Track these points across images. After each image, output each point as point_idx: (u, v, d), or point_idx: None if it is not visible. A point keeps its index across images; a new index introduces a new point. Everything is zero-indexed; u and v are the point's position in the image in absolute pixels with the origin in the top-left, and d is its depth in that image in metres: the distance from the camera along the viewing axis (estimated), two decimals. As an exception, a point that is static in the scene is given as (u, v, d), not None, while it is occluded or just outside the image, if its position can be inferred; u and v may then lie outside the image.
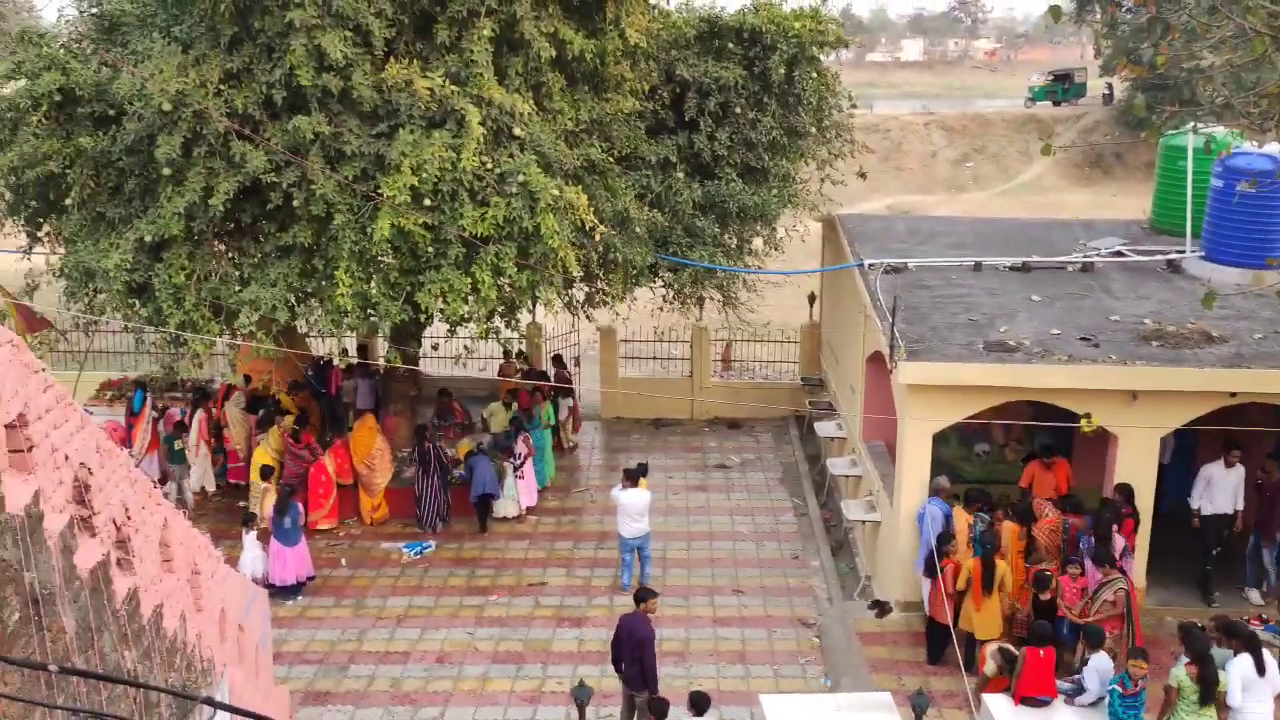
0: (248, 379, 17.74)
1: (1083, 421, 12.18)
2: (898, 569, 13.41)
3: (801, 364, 21.47)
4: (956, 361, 12.47)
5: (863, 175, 18.75)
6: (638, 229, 15.03)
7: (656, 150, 15.72)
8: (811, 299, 21.27)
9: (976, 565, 11.96)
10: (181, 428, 17.18)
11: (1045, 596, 11.81)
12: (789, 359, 21.82)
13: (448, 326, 15.59)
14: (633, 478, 14.47)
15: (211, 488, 17.35)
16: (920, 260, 15.84)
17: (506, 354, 19.65)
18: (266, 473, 15.56)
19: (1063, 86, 61.27)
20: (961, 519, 12.74)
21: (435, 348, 17.70)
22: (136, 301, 13.96)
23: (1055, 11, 9.11)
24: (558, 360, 20.71)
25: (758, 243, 17.48)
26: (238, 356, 14.93)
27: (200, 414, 17.15)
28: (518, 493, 16.66)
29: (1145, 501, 12.82)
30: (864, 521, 14.71)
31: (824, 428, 17.76)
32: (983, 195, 51.28)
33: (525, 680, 12.42)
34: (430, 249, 12.97)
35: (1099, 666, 10.20)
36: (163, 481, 16.90)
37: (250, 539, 14.11)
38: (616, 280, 15.55)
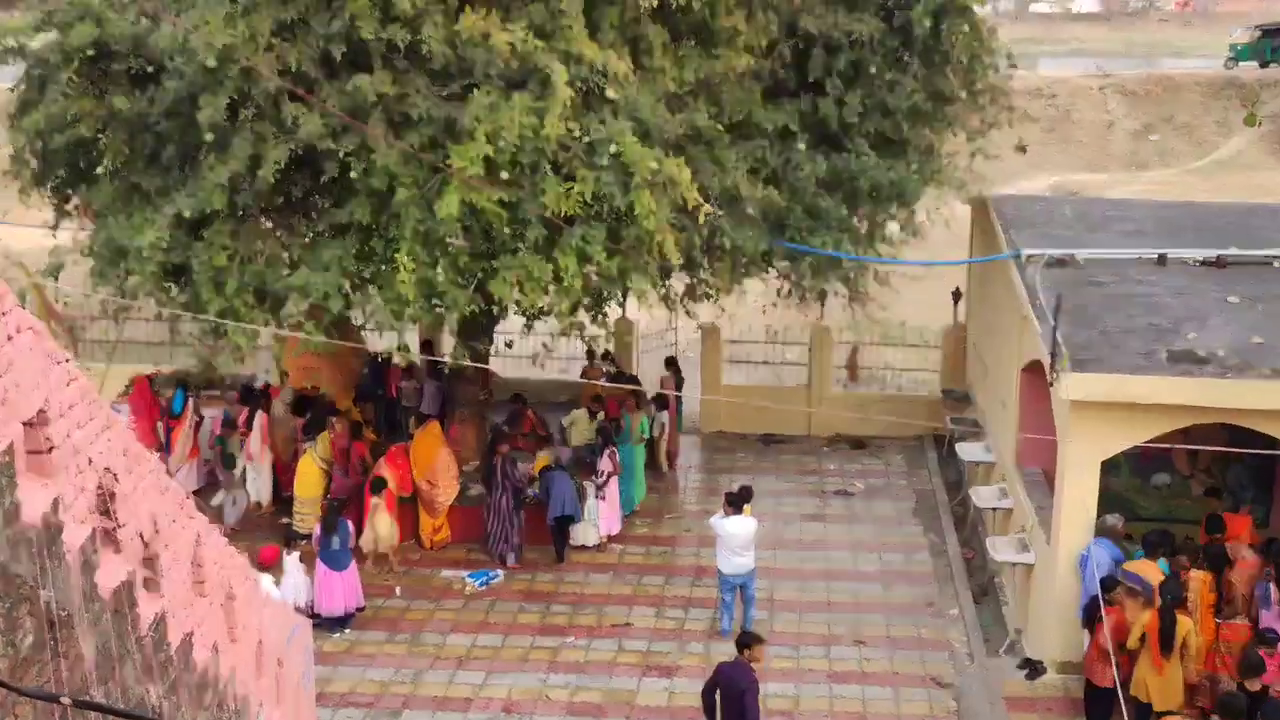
0: (284, 377, 18.26)
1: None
2: (1054, 622, 13.22)
3: (943, 373, 21.37)
4: (1133, 374, 12.34)
5: (1022, 149, 18.40)
6: (749, 209, 15.02)
7: (774, 117, 15.64)
8: (956, 296, 21.05)
9: (1153, 619, 11.66)
10: (231, 426, 17.67)
11: (1255, 686, 11.25)
12: (928, 367, 21.74)
13: (524, 321, 15.92)
14: (736, 504, 14.49)
15: (268, 500, 17.73)
16: (1091, 251, 15.63)
17: (590, 354, 19.79)
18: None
19: (1272, 44, 59.22)
20: (1149, 571, 12.32)
21: (509, 345, 17.91)
22: (173, 285, 14.19)
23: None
24: (671, 363, 20.87)
25: (893, 228, 17.31)
26: (284, 350, 15.26)
27: (261, 415, 17.54)
28: (599, 517, 16.80)
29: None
30: (1014, 564, 14.60)
31: (968, 450, 17.71)
32: (1169, 173, 49.94)
33: (605, 737, 12.82)
34: (506, 230, 13.11)
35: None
36: (202, 492, 17.52)
37: (292, 561, 14.31)
38: (723, 269, 15.57)
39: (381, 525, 15.88)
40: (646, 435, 18.43)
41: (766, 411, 20.43)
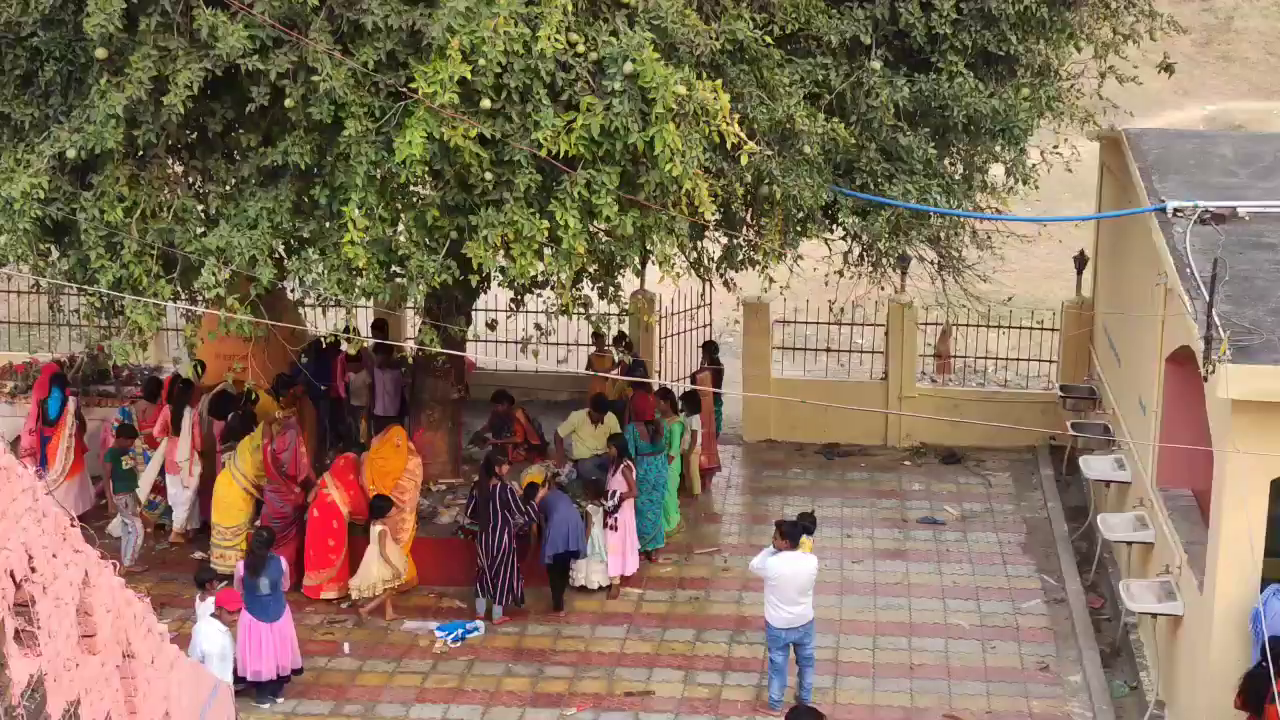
0: (201, 368, 18.29)
1: None
2: (1210, 691, 13.10)
3: (1061, 365, 21.44)
4: (1314, 365, 12.55)
5: (1168, 69, 18.24)
6: (807, 148, 14.94)
7: (839, 26, 15.42)
8: (1080, 262, 20.99)
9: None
10: (128, 434, 17.77)
11: None
12: (1042, 356, 21.70)
13: (512, 295, 15.85)
14: (791, 536, 14.36)
15: (180, 525, 17.93)
16: (1259, 204, 15.51)
17: (598, 337, 19.75)
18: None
19: None
20: None
21: (492, 326, 17.79)
22: (53, 247, 14.26)
23: None
24: (708, 352, 20.83)
25: (996, 172, 17.26)
26: (197, 334, 15.29)
27: (191, 413, 17.78)
28: (609, 552, 16.74)
29: None
30: (1156, 616, 14.51)
31: (1095, 465, 17.66)
32: (1363, 102, 49.62)
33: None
34: (487, 176, 13.12)
35: None
36: (88, 517, 17.57)
37: (207, 609, 14.17)
38: (772, 227, 15.51)
39: (392, 558, 16.01)
40: (675, 447, 18.38)
41: (830, 414, 20.31)
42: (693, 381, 20.40)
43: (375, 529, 16.09)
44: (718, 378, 20.83)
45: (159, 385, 18.68)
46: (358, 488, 16.72)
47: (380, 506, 16.11)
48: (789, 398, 20.33)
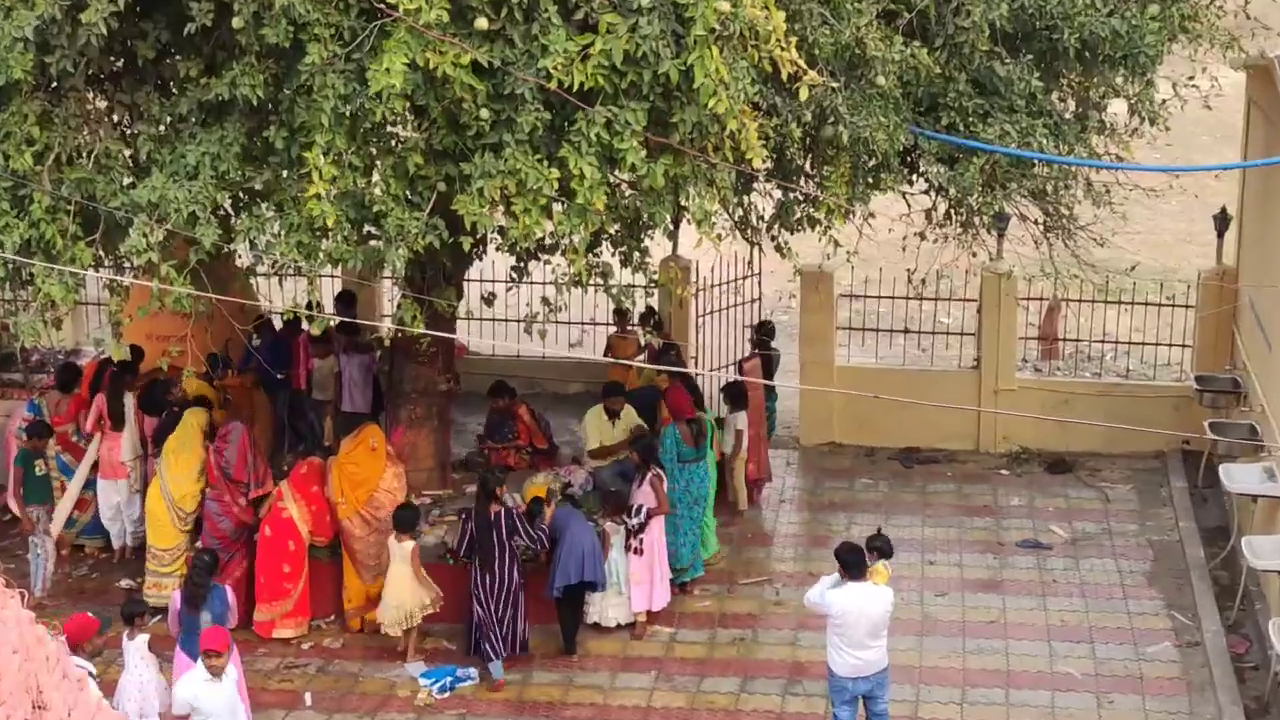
0: (137, 354, 18.23)
1: None
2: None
3: (1197, 350, 21.38)
4: None
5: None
6: (881, 79, 14.94)
7: (921, -73, 15.84)
8: (1221, 222, 20.90)
9: None
10: (41, 433, 17.82)
11: None
12: (1173, 339, 21.63)
13: (513, 261, 16.01)
14: (852, 564, 14.16)
15: (118, 542, 18.45)
16: None
17: (621, 315, 19.93)
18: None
19: None
20: None
21: (489, 301, 17.85)
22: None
23: None
24: (759, 332, 20.75)
25: (1117, 110, 17.28)
26: (123, 309, 15.31)
27: (131, 401, 17.79)
28: (632, 582, 16.73)
29: None
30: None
31: (1239, 475, 17.72)
32: None
33: None
34: (484, 113, 13.13)
35: None
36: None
37: (136, 648, 14.22)
38: (836, 178, 15.52)
39: (408, 585, 16.06)
40: (707, 452, 18.36)
41: (908, 411, 20.06)
42: (739, 371, 20.27)
43: (404, 545, 16.08)
44: (769, 366, 20.74)
45: (76, 373, 18.74)
46: (321, 500, 16.75)
47: (408, 519, 16.18)
48: (857, 391, 19.82)
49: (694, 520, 17.75)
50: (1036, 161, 16.40)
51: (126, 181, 14.09)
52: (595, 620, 16.86)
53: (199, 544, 16.59)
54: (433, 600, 16.33)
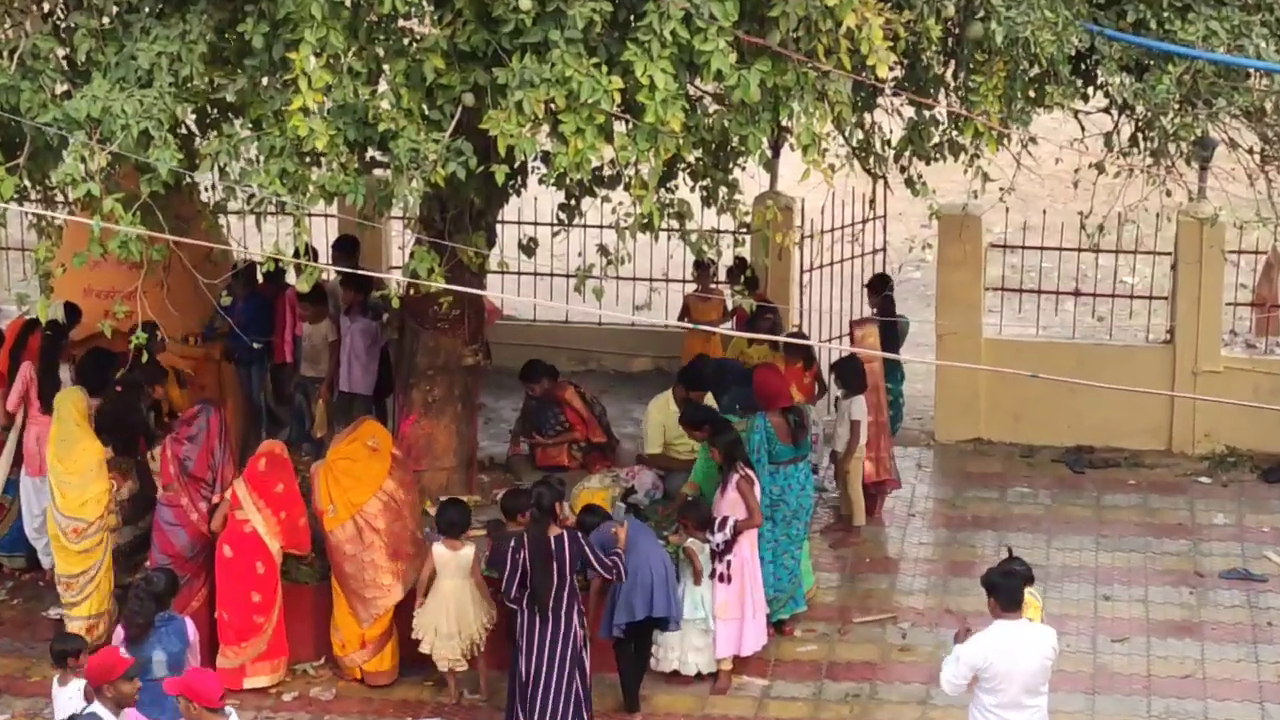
0: (72, 314, 18.62)
1: None
2: None
3: None
4: None
5: None
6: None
7: None
8: None
9: None
10: None
11: None
12: None
13: (561, 198, 16.33)
14: (1007, 593, 13.85)
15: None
16: None
17: (701, 268, 20.31)
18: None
19: None
20: None
21: (530, 250, 18.13)
22: None
23: None
24: (880, 290, 20.91)
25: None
26: (54, 256, 15.64)
27: (69, 372, 18.19)
28: (716, 618, 16.75)
29: None
30: None
31: None
32: None
33: None
34: (524, 2, 13.30)
35: None
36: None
37: (69, 697, 14.27)
38: (986, 91, 15.62)
39: (469, 604, 16.40)
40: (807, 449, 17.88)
41: (1078, 398, 20.51)
42: (853, 341, 20.42)
43: (461, 554, 16.16)
44: (892, 335, 20.75)
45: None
46: (290, 503, 16.65)
47: (457, 519, 16.29)
48: (1011, 370, 19.45)
49: (793, 539, 17.46)
50: (1252, 71, 16.29)
51: (60, 89, 14.08)
52: (673, 668, 16.61)
53: (146, 564, 16.44)
54: (489, 617, 16.38)
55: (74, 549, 17.00)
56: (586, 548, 15.68)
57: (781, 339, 18.69)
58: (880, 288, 20.70)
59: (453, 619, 16.22)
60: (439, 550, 16.16)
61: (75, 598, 17.01)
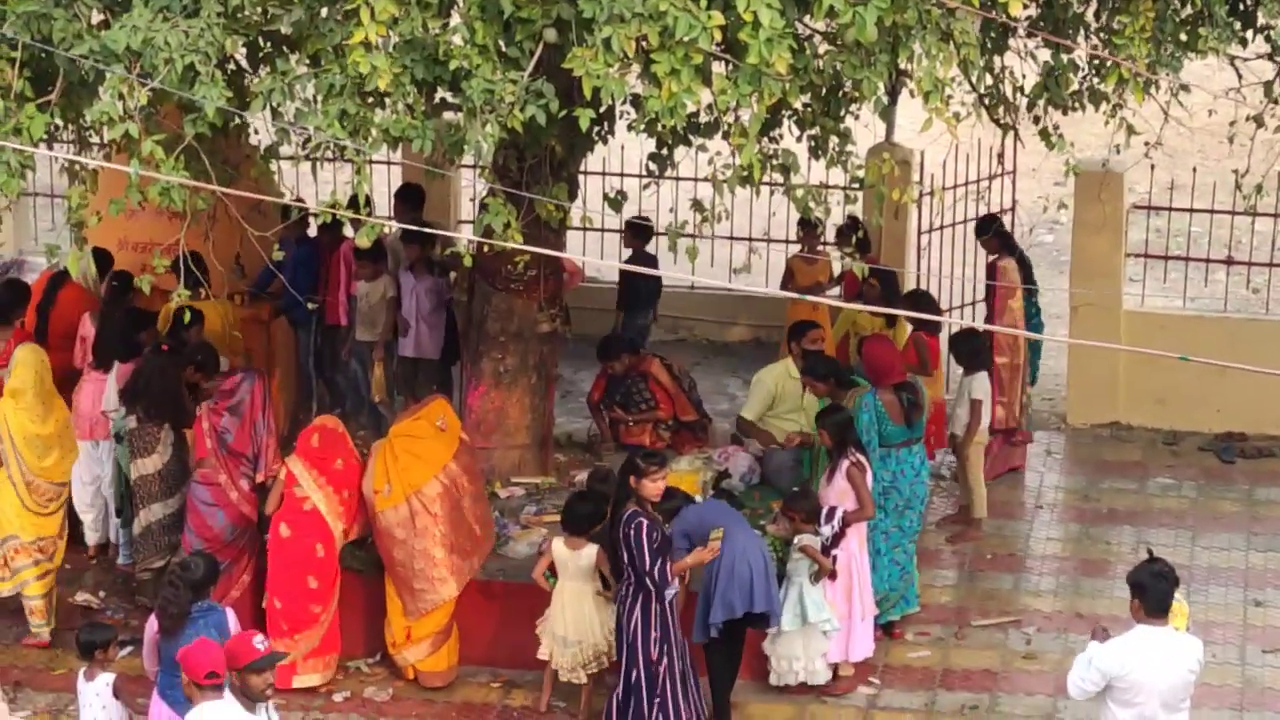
0: (104, 260, 18.19)
1: None
2: None
3: None
4: None
5: None
6: None
7: None
8: None
9: None
10: None
11: None
12: None
13: (651, 148, 15.78)
14: (1155, 596, 13.53)
15: (115, 536, 18.28)
16: None
17: (808, 227, 19.75)
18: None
19: None
20: None
21: (617, 205, 17.51)
22: None
23: None
24: (1000, 246, 20.23)
25: None
26: (88, 203, 15.18)
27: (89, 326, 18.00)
28: (826, 618, 16.28)
29: None
30: None
31: None
32: None
33: None
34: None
35: None
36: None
37: (96, 692, 14.42)
38: (1132, 33, 15.46)
39: (591, 610, 16.20)
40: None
41: (1230, 380, 20.07)
42: (988, 275, 19.80)
43: (582, 553, 15.98)
44: (1029, 273, 20.19)
45: (22, 292, 18.38)
46: (349, 480, 16.44)
47: (585, 514, 16.00)
48: (1154, 351, 19.16)
49: (905, 531, 17.13)
50: None
51: (97, 19, 13.83)
52: (800, 679, 16.43)
53: (181, 548, 16.19)
54: (602, 631, 16.13)
55: (42, 512, 17.33)
56: (646, 541, 15.21)
57: (903, 314, 17.62)
58: (987, 228, 20.35)
59: (571, 625, 15.92)
60: (558, 548, 15.87)
61: (51, 564, 17.17)
